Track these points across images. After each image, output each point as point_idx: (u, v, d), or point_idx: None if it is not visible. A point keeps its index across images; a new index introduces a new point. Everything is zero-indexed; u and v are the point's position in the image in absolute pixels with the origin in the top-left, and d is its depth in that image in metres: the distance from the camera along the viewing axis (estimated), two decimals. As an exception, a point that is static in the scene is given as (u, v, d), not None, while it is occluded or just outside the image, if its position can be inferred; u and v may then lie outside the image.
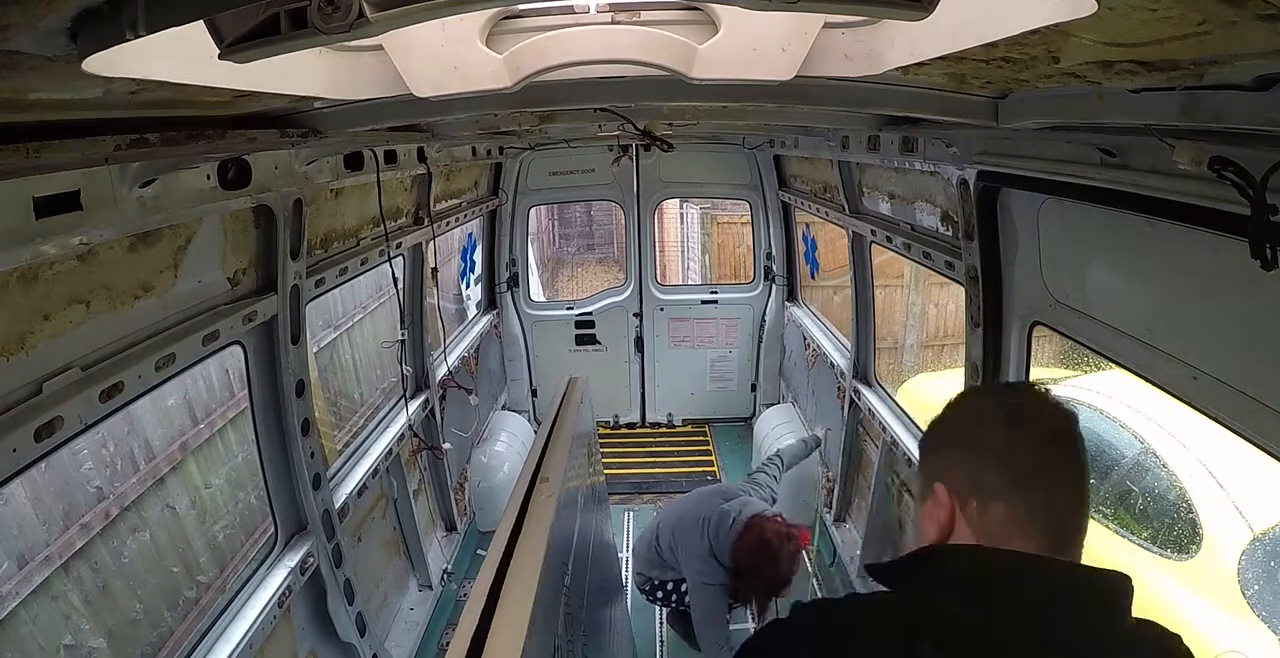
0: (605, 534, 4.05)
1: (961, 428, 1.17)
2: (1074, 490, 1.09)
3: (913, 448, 3.92)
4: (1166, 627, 1.02)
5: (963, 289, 2.93)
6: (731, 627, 3.79)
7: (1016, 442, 1.08)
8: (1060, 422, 1.09)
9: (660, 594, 3.98)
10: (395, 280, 4.31)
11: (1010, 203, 2.60)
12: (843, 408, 5.03)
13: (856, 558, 4.75)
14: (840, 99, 1.80)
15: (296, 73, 1.48)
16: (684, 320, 7.22)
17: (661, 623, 4.65)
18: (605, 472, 5.30)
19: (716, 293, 7.43)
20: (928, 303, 9.48)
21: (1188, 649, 1.03)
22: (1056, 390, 1.17)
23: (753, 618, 3.75)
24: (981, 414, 1.15)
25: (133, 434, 4.30)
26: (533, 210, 7.28)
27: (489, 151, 5.17)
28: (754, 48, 1.44)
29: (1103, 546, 3.91)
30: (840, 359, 5.22)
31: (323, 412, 5.69)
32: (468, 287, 7.30)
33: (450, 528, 5.33)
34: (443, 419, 5.04)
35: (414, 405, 4.58)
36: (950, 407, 1.21)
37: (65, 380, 1.80)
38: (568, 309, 7.28)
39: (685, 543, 3.70)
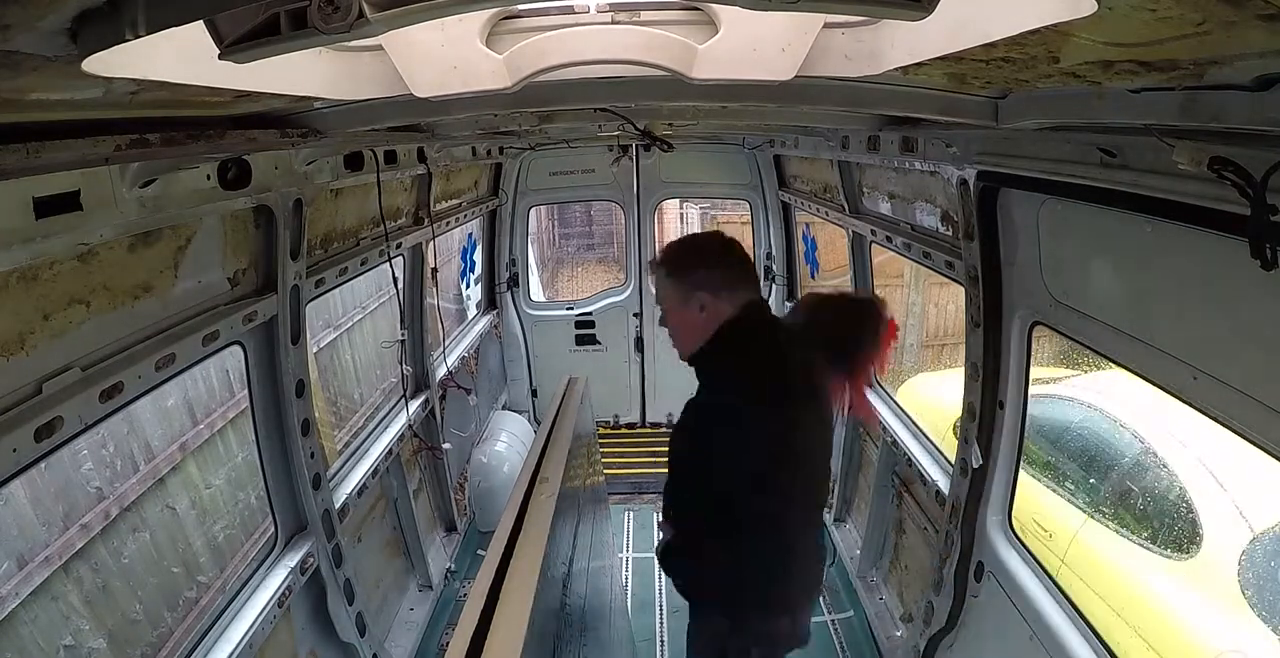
0: (605, 534, 4.05)
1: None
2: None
3: (913, 449, 3.91)
4: None
5: (963, 289, 2.93)
6: None
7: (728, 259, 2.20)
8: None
9: None
10: (395, 280, 4.31)
11: (1010, 203, 2.60)
12: (843, 408, 5.02)
13: (857, 558, 4.75)
14: (840, 99, 1.80)
15: (296, 73, 1.48)
16: None
17: (662, 623, 4.65)
18: (605, 472, 5.29)
19: None
20: (928, 303, 9.47)
21: None
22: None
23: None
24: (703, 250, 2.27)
25: (133, 434, 4.30)
26: (533, 210, 7.27)
27: (489, 152, 5.16)
28: (754, 48, 1.44)
29: (1103, 545, 3.92)
30: (840, 359, 5.20)
31: (323, 412, 5.70)
32: (468, 287, 7.29)
33: (450, 528, 5.32)
34: (443, 419, 5.04)
35: (414, 405, 4.58)
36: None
37: (65, 380, 1.80)
38: (568, 309, 7.26)
39: None
